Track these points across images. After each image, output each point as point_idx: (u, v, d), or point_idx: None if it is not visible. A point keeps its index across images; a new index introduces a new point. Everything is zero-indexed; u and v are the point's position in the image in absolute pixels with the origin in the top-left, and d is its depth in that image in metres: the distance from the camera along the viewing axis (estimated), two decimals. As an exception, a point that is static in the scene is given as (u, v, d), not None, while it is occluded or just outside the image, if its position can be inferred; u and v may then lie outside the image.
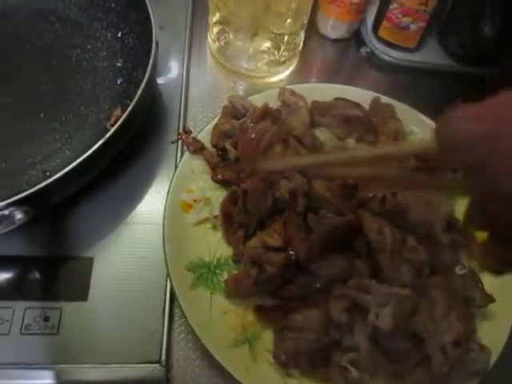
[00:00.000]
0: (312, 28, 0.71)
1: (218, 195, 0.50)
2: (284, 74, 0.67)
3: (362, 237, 0.43)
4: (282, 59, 0.65)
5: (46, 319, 0.44)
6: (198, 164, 0.53)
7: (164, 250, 0.46)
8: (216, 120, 0.54)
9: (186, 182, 0.51)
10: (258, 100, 0.56)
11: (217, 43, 0.66)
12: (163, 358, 0.43)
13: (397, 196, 0.45)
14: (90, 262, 0.48)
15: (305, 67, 0.69)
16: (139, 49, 0.56)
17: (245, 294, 0.44)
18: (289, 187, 0.45)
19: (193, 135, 0.55)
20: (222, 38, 0.64)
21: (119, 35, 0.61)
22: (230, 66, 0.66)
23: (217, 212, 0.49)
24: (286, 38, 0.62)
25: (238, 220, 0.46)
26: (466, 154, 0.25)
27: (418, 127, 0.57)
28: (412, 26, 0.65)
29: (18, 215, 0.42)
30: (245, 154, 0.50)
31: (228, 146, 0.51)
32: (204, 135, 0.54)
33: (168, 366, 0.44)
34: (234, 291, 0.44)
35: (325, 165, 0.37)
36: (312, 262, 0.42)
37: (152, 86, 0.55)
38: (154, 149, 0.56)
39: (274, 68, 0.66)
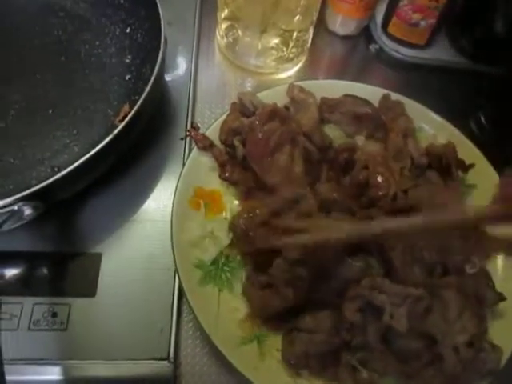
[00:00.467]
0: (321, 25, 0.70)
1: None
2: (292, 70, 0.67)
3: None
4: (291, 56, 0.65)
5: (55, 315, 0.44)
6: (206, 161, 0.53)
7: (172, 246, 0.46)
8: (224, 116, 0.54)
9: (194, 179, 0.51)
10: (266, 96, 0.55)
11: (225, 39, 0.65)
12: (171, 354, 0.43)
13: (408, 194, 0.44)
14: (98, 258, 0.48)
15: (313, 64, 0.68)
16: (148, 45, 0.56)
17: (273, 313, 0.43)
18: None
19: (201, 131, 0.54)
20: (231, 34, 0.64)
21: (128, 31, 0.61)
22: (239, 63, 0.66)
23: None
24: (294, 34, 0.62)
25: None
26: None
27: (428, 124, 0.56)
28: (422, 23, 0.64)
29: (27, 211, 0.41)
30: (253, 154, 0.49)
31: (237, 143, 0.50)
32: (212, 131, 0.53)
33: (176, 362, 0.44)
34: (262, 312, 0.43)
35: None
36: (331, 266, 0.41)
37: (160, 82, 0.54)
38: (162, 145, 0.56)
39: (283, 64, 0.66)
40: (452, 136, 0.54)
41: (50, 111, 0.55)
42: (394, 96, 0.57)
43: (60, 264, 0.47)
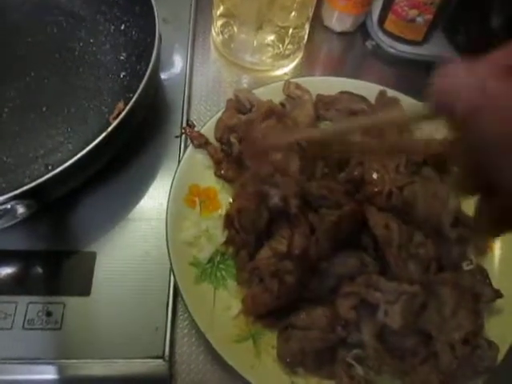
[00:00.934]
0: (317, 21, 0.70)
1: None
2: (289, 67, 0.67)
3: (368, 232, 0.42)
4: (287, 52, 0.64)
5: (49, 314, 0.44)
6: (201, 158, 0.52)
7: (167, 244, 0.45)
8: (220, 114, 0.54)
9: (189, 177, 0.51)
10: (262, 93, 0.55)
11: (221, 36, 0.65)
12: (167, 353, 0.43)
13: (403, 191, 0.44)
14: (92, 257, 0.47)
15: (310, 60, 0.68)
16: (142, 42, 0.56)
17: (265, 310, 0.43)
18: (280, 194, 0.44)
19: (196, 129, 0.54)
20: (226, 31, 0.64)
21: (122, 28, 0.60)
22: (234, 60, 0.65)
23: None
24: (290, 31, 0.62)
25: (239, 241, 0.45)
26: (455, 102, 0.24)
27: (425, 121, 0.56)
28: (419, 19, 0.64)
29: (20, 209, 0.41)
30: (248, 151, 0.49)
31: (233, 140, 0.50)
32: (207, 129, 0.53)
33: (171, 361, 0.44)
34: (253, 309, 0.43)
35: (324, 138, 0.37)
36: (323, 262, 0.41)
37: (155, 79, 0.54)
38: (157, 143, 0.56)
39: (279, 61, 0.65)
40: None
41: (44, 109, 0.55)
42: (391, 92, 0.57)
43: (54, 263, 0.47)
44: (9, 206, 0.40)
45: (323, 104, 0.56)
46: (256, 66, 0.65)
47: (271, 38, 0.62)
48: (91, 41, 0.61)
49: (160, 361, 0.43)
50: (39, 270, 0.47)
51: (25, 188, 0.40)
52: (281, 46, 0.63)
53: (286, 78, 0.62)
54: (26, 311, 0.44)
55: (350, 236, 0.42)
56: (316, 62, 0.69)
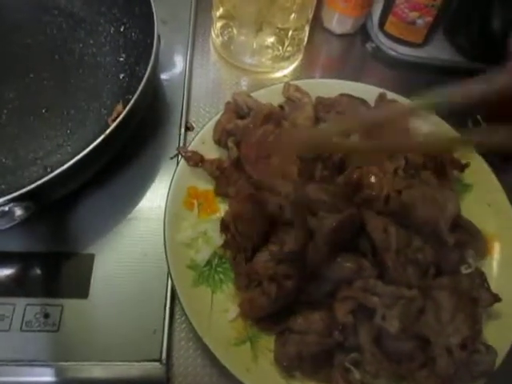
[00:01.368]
0: (317, 23, 0.70)
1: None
2: (288, 69, 0.66)
3: (366, 236, 0.42)
4: (287, 54, 0.64)
5: (47, 316, 0.44)
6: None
7: (165, 247, 0.45)
8: (219, 116, 0.54)
9: (187, 179, 0.51)
10: (261, 96, 0.55)
11: (220, 38, 0.65)
12: (164, 356, 0.43)
13: (401, 195, 0.44)
14: (90, 259, 0.47)
15: (309, 62, 0.68)
16: (142, 43, 0.56)
17: (263, 313, 0.43)
18: (276, 201, 0.44)
19: (195, 130, 0.54)
20: (226, 32, 0.64)
21: (122, 29, 0.60)
22: (234, 61, 0.65)
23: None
24: (290, 32, 0.62)
25: (236, 245, 0.45)
26: None
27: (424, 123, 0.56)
28: (419, 21, 0.64)
29: (19, 211, 0.41)
30: (247, 156, 0.49)
31: (230, 144, 0.50)
32: (206, 131, 0.53)
33: (168, 364, 0.44)
34: (251, 312, 0.43)
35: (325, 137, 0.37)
36: (321, 266, 0.41)
37: (154, 81, 0.54)
38: (156, 144, 0.56)
39: (279, 63, 0.65)
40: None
41: (44, 110, 0.55)
42: (390, 95, 0.57)
43: (52, 265, 0.47)
44: (7, 208, 0.40)
45: (323, 106, 0.56)
46: (255, 68, 0.65)
47: (271, 39, 0.62)
48: (91, 42, 0.61)
49: (157, 364, 0.43)
50: (37, 271, 0.47)
51: (23, 190, 0.40)
52: (280, 47, 0.63)
53: (286, 80, 0.62)
54: (24, 313, 0.44)
55: (348, 240, 0.42)
56: (316, 64, 0.69)
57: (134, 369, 0.42)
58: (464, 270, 0.45)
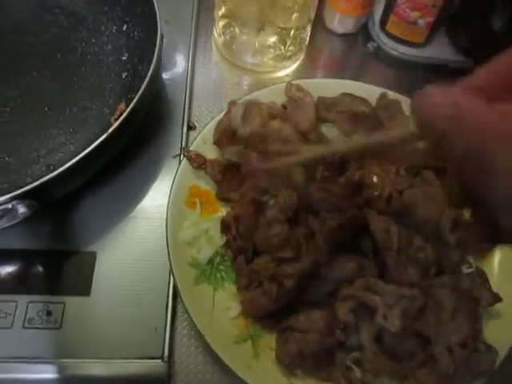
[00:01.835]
0: (319, 22, 0.70)
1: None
2: (290, 68, 0.67)
3: (367, 236, 0.42)
4: (288, 54, 0.64)
5: (49, 313, 0.44)
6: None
7: (167, 245, 0.45)
8: (221, 115, 0.54)
9: (190, 178, 0.51)
10: (263, 95, 0.55)
11: (222, 37, 0.65)
12: (166, 353, 0.43)
13: (403, 195, 0.44)
14: (93, 257, 0.48)
15: (311, 62, 0.68)
16: (144, 42, 0.56)
17: (263, 313, 0.43)
18: (278, 206, 0.44)
19: (197, 129, 0.54)
20: (228, 32, 0.64)
21: (124, 29, 0.60)
22: (236, 61, 0.65)
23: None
24: (292, 32, 0.62)
25: (236, 247, 0.45)
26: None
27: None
28: (420, 21, 0.64)
29: (21, 209, 0.41)
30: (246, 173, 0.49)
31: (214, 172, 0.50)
32: (208, 130, 0.53)
33: (170, 361, 0.44)
34: (252, 312, 0.43)
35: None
36: (322, 266, 0.41)
37: (157, 80, 0.54)
38: (158, 143, 0.56)
39: (280, 63, 0.65)
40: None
41: (46, 109, 0.55)
42: (392, 95, 0.57)
43: (55, 262, 0.47)
44: (10, 206, 0.41)
45: (324, 106, 0.56)
46: (257, 68, 0.65)
47: (273, 39, 0.62)
48: (93, 41, 0.61)
49: (159, 361, 0.43)
50: (40, 269, 0.47)
51: (26, 188, 0.40)
52: (282, 47, 0.63)
53: (288, 79, 0.62)
54: (26, 310, 0.44)
55: (349, 240, 0.42)
56: (317, 64, 0.69)
57: (136, 366, 0.43)
58: (465, 270, 0.45)
